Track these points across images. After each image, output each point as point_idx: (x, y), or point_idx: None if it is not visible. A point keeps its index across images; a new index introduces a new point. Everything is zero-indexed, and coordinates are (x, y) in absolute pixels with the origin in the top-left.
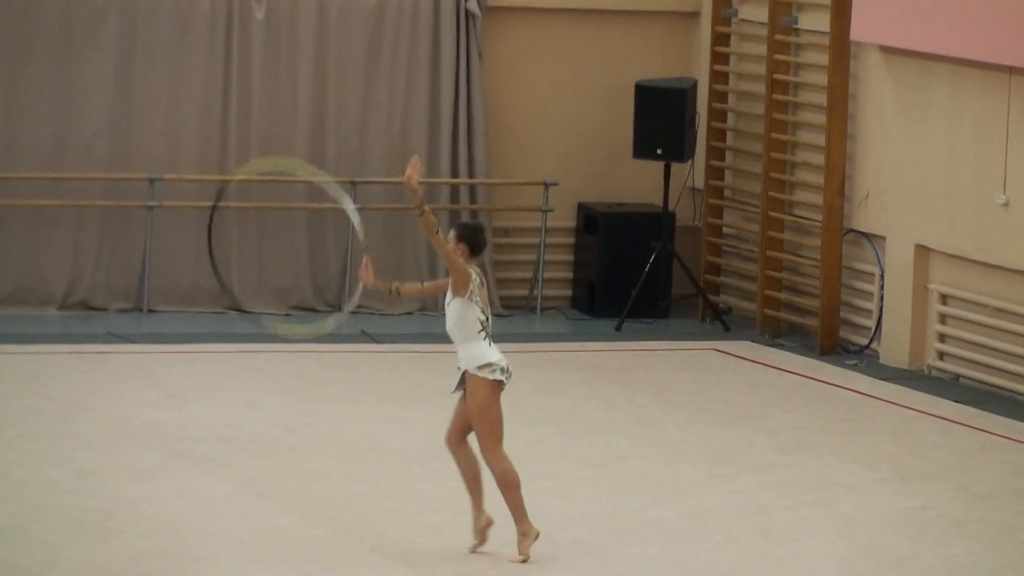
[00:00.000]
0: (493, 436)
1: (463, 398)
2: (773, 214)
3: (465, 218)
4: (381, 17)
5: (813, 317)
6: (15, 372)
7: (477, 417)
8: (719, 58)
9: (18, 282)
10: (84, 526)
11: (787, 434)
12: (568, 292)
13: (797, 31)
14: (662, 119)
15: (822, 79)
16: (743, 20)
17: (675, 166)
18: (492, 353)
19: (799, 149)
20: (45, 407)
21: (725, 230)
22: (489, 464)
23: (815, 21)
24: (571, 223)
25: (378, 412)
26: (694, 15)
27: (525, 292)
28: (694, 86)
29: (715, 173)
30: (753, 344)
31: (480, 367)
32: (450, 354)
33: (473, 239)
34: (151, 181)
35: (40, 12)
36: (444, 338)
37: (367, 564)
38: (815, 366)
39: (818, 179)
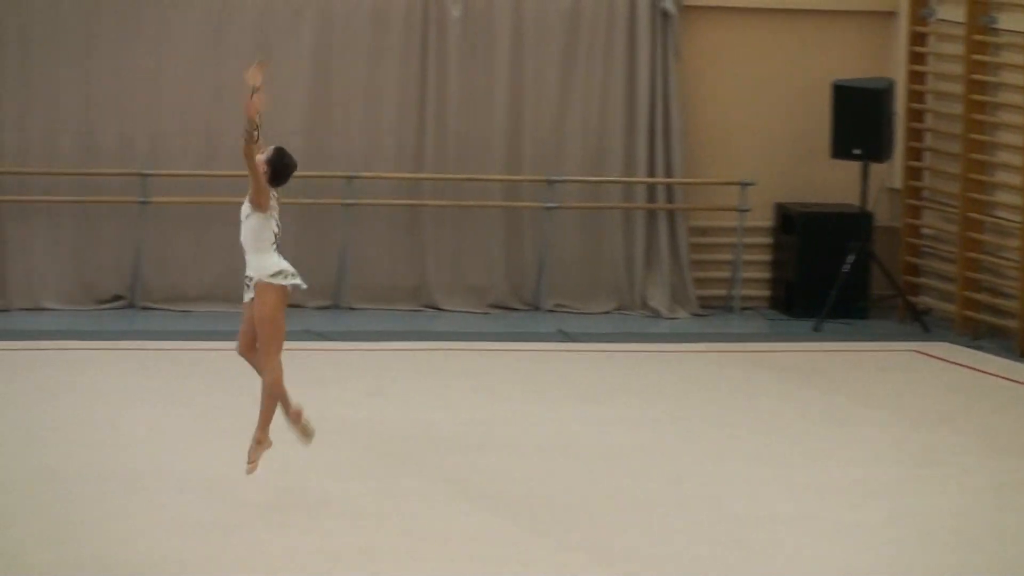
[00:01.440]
0: (276, 342)
1: (250, 305)
2: (972, 215)
3: (663, 219)
4: (577, 16)
5: (1013, 319)
6: (213, 368)
7: (265, 323)
8: (916, 58)
9: (217, 279)
10: (286, 523)
11: (987, 437)
12: (766, 292)
13: (996, 31)
14: (860, 119)
15: (1021, 79)
16: (941, 20)
17: (872, 166)
18: (281, 262)
19: (998, 150)
20: (245, 404)
21: (924, 231)
22: (264, 367)
23: (1015, 21)
24: (768, 223)
25: (574, 411)
26: (891, 15)
27: (723, 292)
28: (892, 86)
29: (913, 174)
30: (953, 346)
31: (272, 275)
32: (648, 353)
33: (279, 168)
34: (348, 179)
35: (235, 11)
36: (642, 337)
37: (562, 564)
38: (1016, 368)
39: (1017, 180)
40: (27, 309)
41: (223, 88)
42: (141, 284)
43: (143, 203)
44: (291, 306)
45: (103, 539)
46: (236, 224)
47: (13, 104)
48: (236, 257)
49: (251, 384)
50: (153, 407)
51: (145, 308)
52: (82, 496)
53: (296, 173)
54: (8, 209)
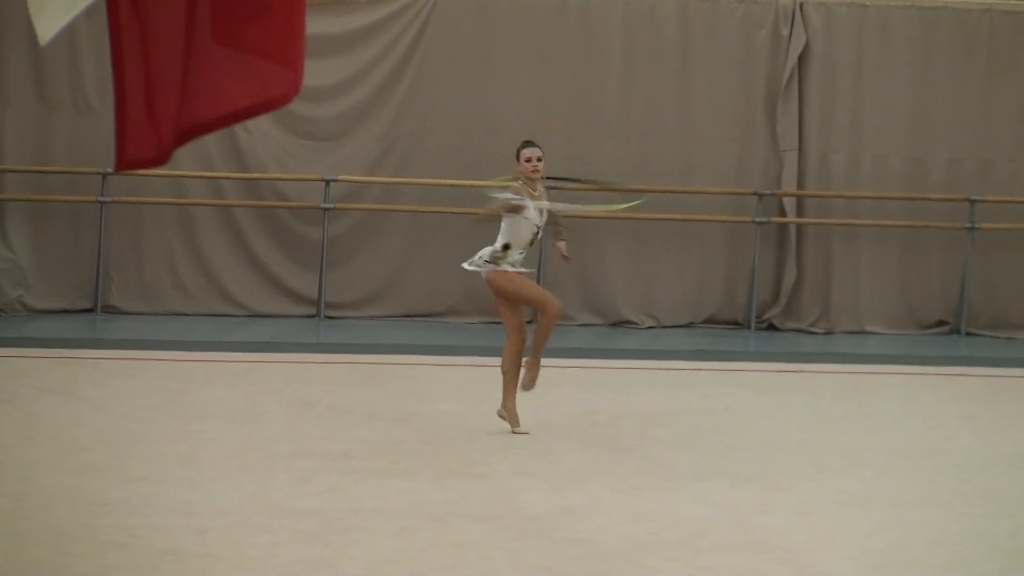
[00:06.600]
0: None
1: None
2: None
3: None
4: None
5: None
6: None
7: None
8: None
9: None
10: None
11: None
12: None
13: None
14: None
15: None
16: None
17: None
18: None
19: None
20: None
21: None
22: None
23: None
24: None
25: None
26: None
27: None
28: None
29: None
30: None
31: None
32: None
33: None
34: None
35: None
36: None
37: None
38: None
39: None
40: (850, 332)
41: None
42: (966, 310)
43: (970, 229)
44: None
45: None
46: None
47: (845, 128)
48: None
49: None
50: (976, 433)
51: (969, 334)
52: None
53: None
54: (835, 232)
